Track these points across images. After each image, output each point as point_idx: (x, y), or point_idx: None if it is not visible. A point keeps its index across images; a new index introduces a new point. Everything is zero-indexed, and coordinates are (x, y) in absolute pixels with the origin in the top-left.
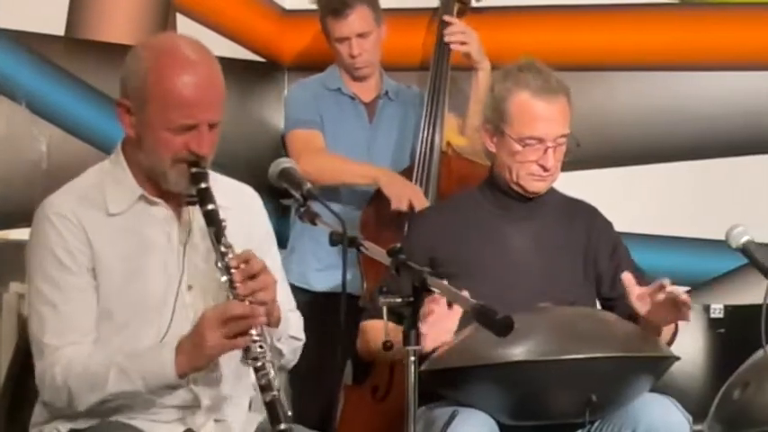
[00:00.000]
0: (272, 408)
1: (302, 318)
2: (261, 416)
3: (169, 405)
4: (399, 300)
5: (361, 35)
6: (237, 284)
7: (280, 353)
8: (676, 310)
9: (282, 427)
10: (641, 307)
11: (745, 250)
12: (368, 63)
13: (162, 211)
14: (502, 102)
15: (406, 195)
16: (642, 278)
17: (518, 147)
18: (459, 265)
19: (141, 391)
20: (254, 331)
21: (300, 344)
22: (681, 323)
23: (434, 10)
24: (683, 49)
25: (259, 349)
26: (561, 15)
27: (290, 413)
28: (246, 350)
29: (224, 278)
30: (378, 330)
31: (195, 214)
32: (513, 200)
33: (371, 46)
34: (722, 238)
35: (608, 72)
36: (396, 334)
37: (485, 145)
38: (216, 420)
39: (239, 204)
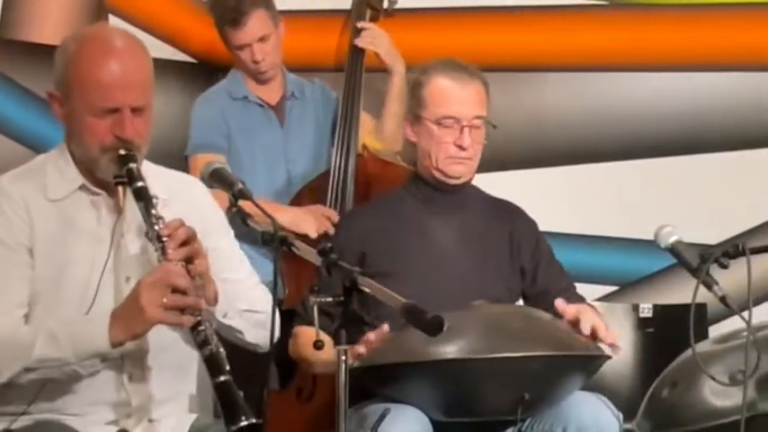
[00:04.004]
0: (210, 362)
1: (267, 291)
2: (194, 415)
3: (102, 402)
4: (330, 299)
5: (261, 39)
6: (170, 251)
7: (238, 331)
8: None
9: (222, 379)
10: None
11: (673, 250)
12: (272, 66)
13: (101, 201)
14: (419, 88)
15: (316, 221)
16: (563, 276)
17: (434, 128)
18: (387, 262)
19: (69, 359)
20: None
21: (264, 316)
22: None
23: (349, 12)
24: (614, 50)
25: (194, 316)
26: (492, 16)
27: (227, 367)
28: (183, 310)
29: (156, 246)
30: (309, 336)
31: (135, 208)
32: (437, 192)
33: (272, 48)
34: (651, 237)
35: (539, 73)
36: (327, 344)
37: (407, 138)
38: (150, 420)
39: (179, 194)
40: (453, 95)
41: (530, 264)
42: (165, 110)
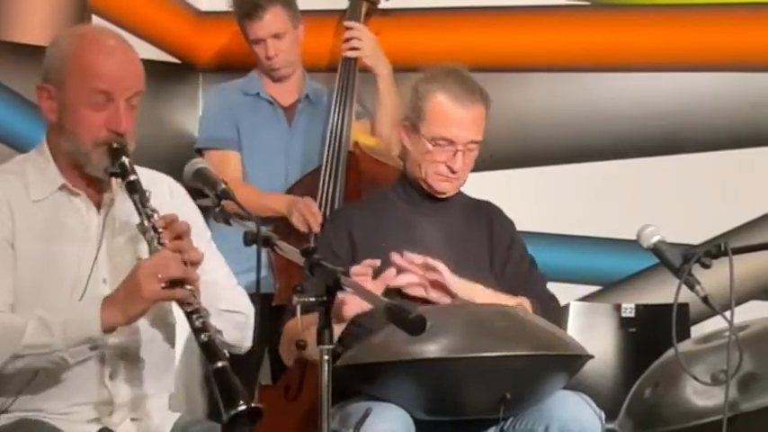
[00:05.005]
0: (207, 348)
1: (245, 294)
2: (177, 414)
3: (84, 400)
4: (313, 299)
5: (276, 36)
6: (166, 242)
7: (218, 330)
8: None
9: (219, 365)
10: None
11: (656, 250)
12: (285, 64)
13: (82, 202)
14: (421, 100)
15: (307, 218)
16: (535, 271)
17: (429, 146)
18: (374, 259)
19: (58, 345)
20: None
21: (243, 317)
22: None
23: (344, 12)
24: (597, 50)
25: (192, 298)
26: (476, 17)
27: (226, 352)
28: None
29: (153, 237)
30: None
31: (116, 208)
32: (423, 197)
33: (288, 46)
34: (634, 237)
35: (523, 73)
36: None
37: (400, 141)
38: (132, 419)
39: (161, 195)
40: (452, 118)
41: (504, 259)
42: (147, 109)
